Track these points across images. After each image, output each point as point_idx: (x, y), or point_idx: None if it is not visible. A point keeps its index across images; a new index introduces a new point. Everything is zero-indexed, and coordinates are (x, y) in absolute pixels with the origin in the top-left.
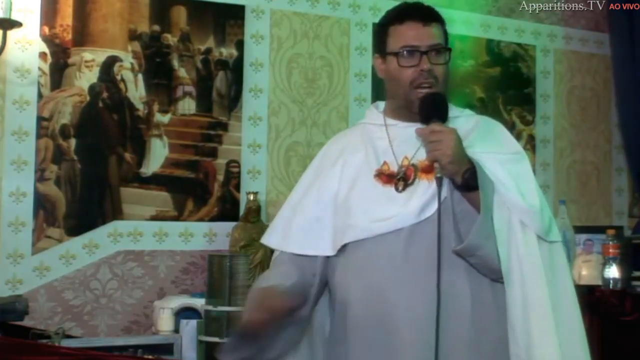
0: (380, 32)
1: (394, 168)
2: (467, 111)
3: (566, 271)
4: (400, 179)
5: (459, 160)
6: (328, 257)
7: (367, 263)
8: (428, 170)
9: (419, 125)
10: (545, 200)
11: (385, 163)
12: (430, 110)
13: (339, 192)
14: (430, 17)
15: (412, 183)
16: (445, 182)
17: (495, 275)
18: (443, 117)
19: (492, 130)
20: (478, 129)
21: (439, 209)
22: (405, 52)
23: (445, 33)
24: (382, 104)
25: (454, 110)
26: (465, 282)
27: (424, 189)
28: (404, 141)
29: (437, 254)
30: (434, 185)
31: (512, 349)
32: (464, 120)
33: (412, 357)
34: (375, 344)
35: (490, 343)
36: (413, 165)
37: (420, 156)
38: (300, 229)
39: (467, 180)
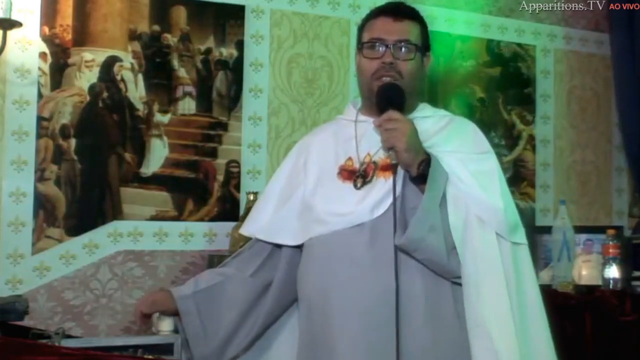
0: (359, 28)
1: (357, 164)
2: (442, 112)
3: (532, 274)
4: (359, 175)
5: (415, 150)
6: (292, 252)
7: (325, 258)
8: (386, 168)
9: None
10: (512, 202)
11: (349, 159)
12: (386, 99)
13: (305, 188)
14: (404, 14)
15: (370, 180)
16: (400, 179)
17: (449, 275)
18: (399, 106)
19: (462, 130)
20: (447, 129)
21: (394, 198)
22: (371, 44)
23: (423, 33)
24: (360, 101)
25: (427, 110)
26: (420, 282)
27: (380, 186)
28: (369, 138)
29: (394, 249)
30: (389, 182)
31: (474, 351)
32: (435, 120)
33: (356, 354)
34: (327, 339)
35: (449, 348)
36: (374, 162)
37: (382, 153)
38: (269, 220)
39: (423, 172)
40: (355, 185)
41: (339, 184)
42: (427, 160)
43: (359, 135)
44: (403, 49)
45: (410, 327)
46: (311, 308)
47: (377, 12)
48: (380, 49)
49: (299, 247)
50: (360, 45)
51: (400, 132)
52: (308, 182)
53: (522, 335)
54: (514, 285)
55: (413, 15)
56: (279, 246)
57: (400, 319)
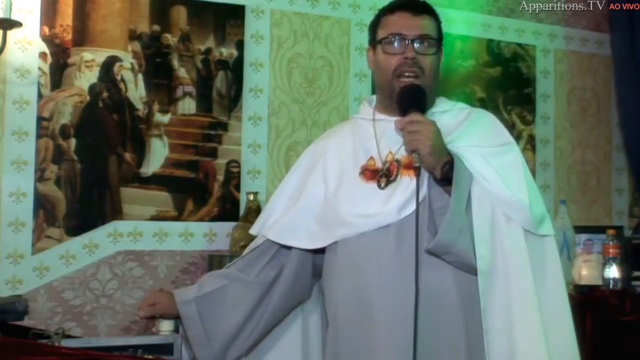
0: (373, 24)
1: (379, 164)
2: (460, 104)
3: (556, 266)
4: (382, 175)
5: (439, 152)
6: (303, 254)
7: (353, 261)
8: (410, 165)
9: None
10: (537, 192)
11: (371, 158)
12: (409, 101)
13: (326, 190)
14: (421, 9)
15: (394, 179)
16: (425, 179)
17: (475, 273)
18: (422, 108)
19: (482, 123)
20: (467, 122)
21: (417, 201)
22: (391, 39)
23: (438, 28)
24: (375, 99)
25: (444, 104)
26: (452, 279)
27: (406, 186)
28: (389, 136)
29: (415, 251)
30: (414, 182)
31: (490, 347)
32: (453, 114)
33: (393, 355)
34: (359, 342)
35: (482, 341)
36: (397, 160)
37: (405, 151)
38: (283, 220)
39: (447, 174)
40: (379, 185)
41: (361, 184)
42: (450, 162)
43: (378, 133)
44: (424, 44)
45: (443, 322)
46: (348, 308)
47: (393, 8)
48: (402, 44)
49: (312, 250)
50: (376, 42)
51: (424, 135)
52: (329, 184)
53: (545, 334)
54: (540, 281)
55: (429, 9)
56: (288, 247)
57: (433, 316)
